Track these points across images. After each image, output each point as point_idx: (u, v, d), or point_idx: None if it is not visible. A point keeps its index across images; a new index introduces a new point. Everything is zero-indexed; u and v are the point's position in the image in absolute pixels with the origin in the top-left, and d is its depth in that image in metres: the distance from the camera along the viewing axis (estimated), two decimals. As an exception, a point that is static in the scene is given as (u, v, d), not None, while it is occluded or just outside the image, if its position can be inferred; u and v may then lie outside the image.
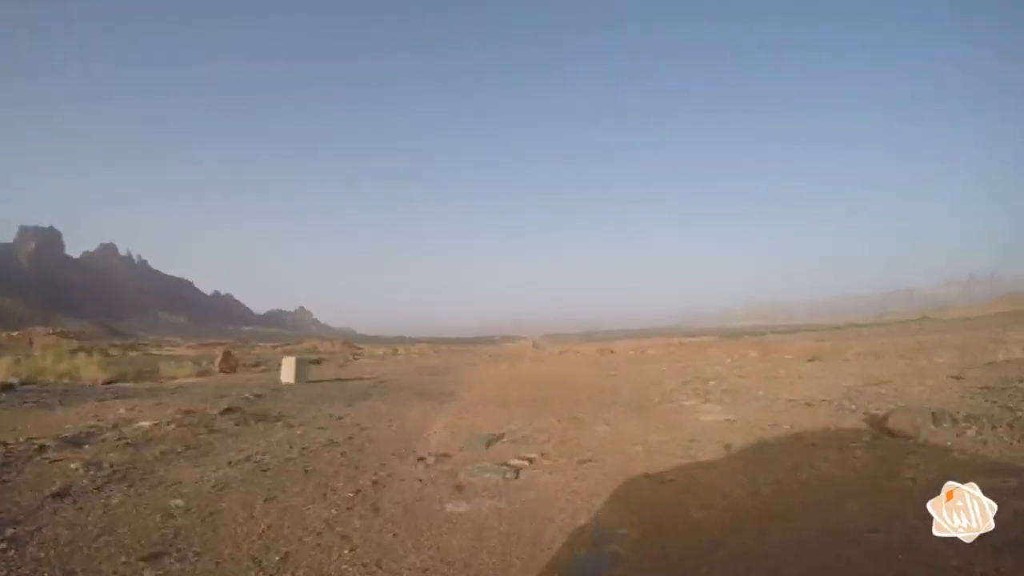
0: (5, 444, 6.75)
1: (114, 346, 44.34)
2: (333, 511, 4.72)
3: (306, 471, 6.06)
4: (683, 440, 7.14)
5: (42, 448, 6.65)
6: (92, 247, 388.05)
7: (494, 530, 4.28)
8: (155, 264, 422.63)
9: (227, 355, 24.12)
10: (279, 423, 9.15)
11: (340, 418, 9.69)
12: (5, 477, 5.48)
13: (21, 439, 7.05)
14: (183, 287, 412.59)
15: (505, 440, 7.63)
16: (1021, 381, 9.93)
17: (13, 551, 3.73)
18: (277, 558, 3.75)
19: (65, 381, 15.66)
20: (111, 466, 5.96)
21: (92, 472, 5.68)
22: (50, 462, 6.08)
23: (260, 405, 11.15)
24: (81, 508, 4.63)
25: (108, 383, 15.66)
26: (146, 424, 8.46)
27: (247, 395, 12.55)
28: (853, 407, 8.87)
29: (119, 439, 7.40)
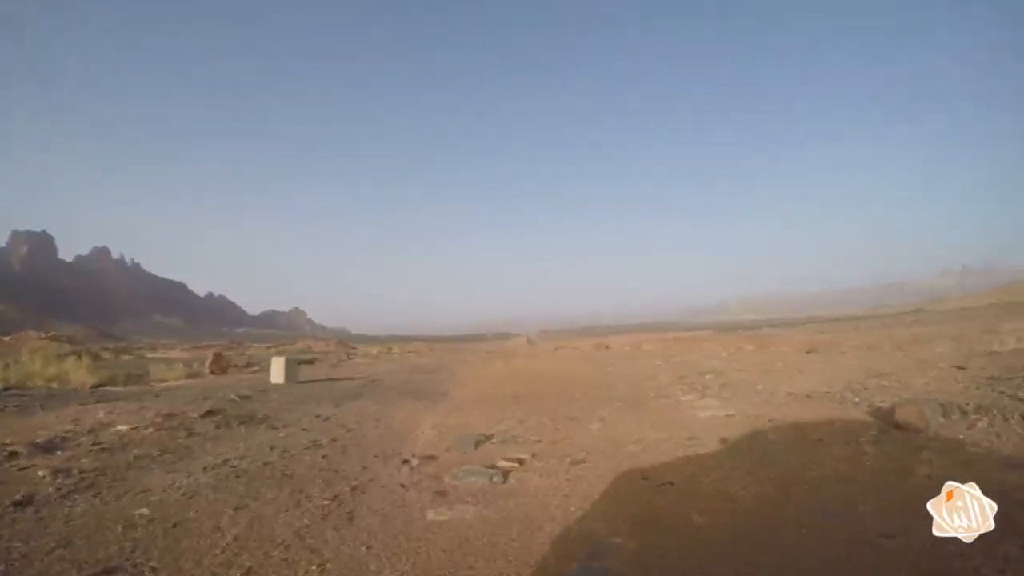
0: (-25, 450, 6.46)
1: (107, 350, 43.76)
2: (305, 521, 4.40)
3: (284, 476, 5.78)
4: (681, 438, 6.76)
5: (13, 455, 6.43)
6: (84, 250, 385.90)
7: (478, 541, 3.91)
8: (148, 267, 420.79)
9: (218, 357, 23.88)
10: (262, 425, 8.90)
11: (326, 419, 9.44)
12: (-32, 485, 5.19)
13: (-7, 445, 6.74)
14: (176, 289, 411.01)
15: (495, 440, 7.27)
16: (1027, 371, 9.66)
17: (-39, 567, 3.44)
18: (239, 575, 3.46)
19: (54, 385, 15.28)
20: (80, 473, 5.70)
21: (60, 480, 5.42)
22: (18, 469, 5.85)
23: (245, 407, 10.90)
24: (42, 518, 4.39)
25: (97, 387, 15.33)
26: (123, 428, 8.20)
27: (233, 397, 12.25)
28: (856, 400, 8.57)
29: (94, 444, 7.16)
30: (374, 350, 49.10)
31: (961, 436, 5.99)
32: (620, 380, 14.31)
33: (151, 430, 8.08)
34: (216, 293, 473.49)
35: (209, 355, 25.46)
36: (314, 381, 17.23)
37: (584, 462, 5.91)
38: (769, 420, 7.47)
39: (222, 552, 3.78)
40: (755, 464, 5.34)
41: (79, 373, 17.16)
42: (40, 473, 5.60)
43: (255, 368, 23.58)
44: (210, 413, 9.66)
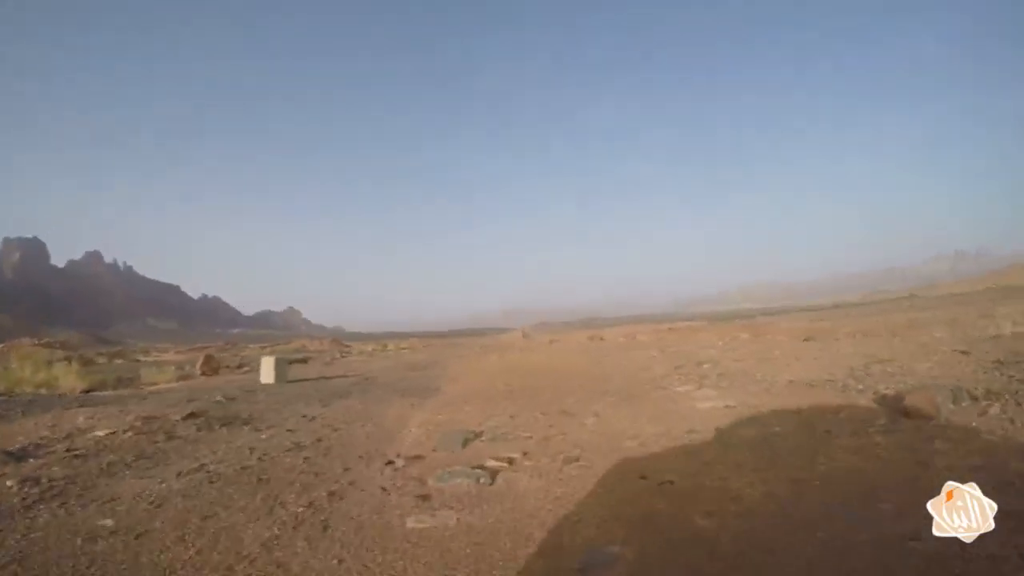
0: (-55, 460, 6.17)
1: (101, 354, 43.37)
2: (276, 531, 4.07)
3: (260, 481, 5.46)
4: (680, 432, 6.39)
5: (-17, 463, 6.16)
6: (77, 255, 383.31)
7: (460, 553, 3.54)
8: (140, 270, 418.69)
9: (208, 358, 23.73)
10: (246, 427, 8.64)
11: (312, 419, 9.18)
12: (-68, 497, 4.90)
13: (-35, 454, 6.45)
14: (170, 292, 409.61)
15: (484, 438, 6.91)
16: (1034, 354, 9.39)
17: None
18: (196, 595, 3.12)
19: (43, 391, 15.05)
20: (50, 481, 5.43)
21: (27, 489, 5.16)
22: (-13, 479, 5.51)
23: (230, 408, 10.65)
24: (1, 531, 4.12)
25: (86, 391, 15.18)
26: (101, 433, 7.91)
27: (219, 398, 11.98)
28: (860, 387, 8.26)
29: (68, 451, 6.88)
30: (369, 348, 48.91)
31: (974, 423, 5.67)
32: (615, 372, 14.00)
33: (129, 434, 7.82)
34: (210, 295, 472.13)
35: (201, 357, 25.21)
36: (305, 380, 16.99)
37: (578, 460, 5.52)
38: (771, 410, 7.11)
39: (183, 567, 3.49)
40: (760, 459, 4.96)
41: (68, 378, 17.08)
42: (8, 483, 5.31)
43: (247, 369, 23.37)
44: (192, 416, 9.40)
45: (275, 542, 3.85)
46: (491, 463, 5.54)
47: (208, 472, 5.81)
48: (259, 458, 6.40)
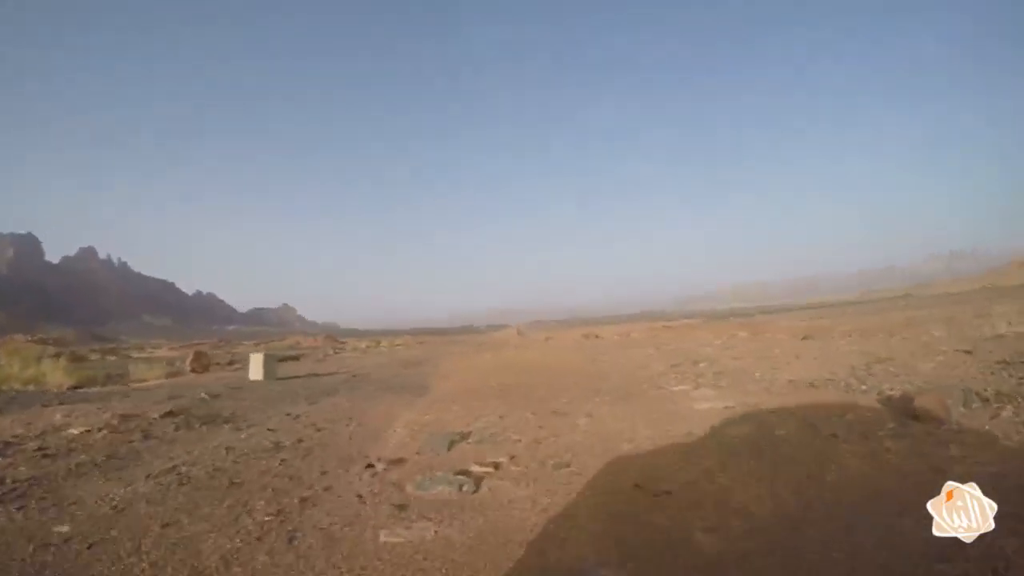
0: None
1: (94, 351, 43.04)
2: (238, 542, 3.76)
3: (231, 485, 5.16)
4: (678, 434, 6.02)
5: (-52, 463, 5.88)
6: (70, 251, 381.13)
7: (433, 572, 3.20)
8: (135, 266, 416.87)
9: (199, 355, 23.39)
10: (226, 426, 8.36)
11: (296, 418, 8.90)
12: None
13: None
14: (165, 289, 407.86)
15: (471, 440, 6.54)
16: (1040, 354, 9.07)
17: None
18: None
19: (30, 388, 14.67)
20: (13, 482, 5.20)
21: None
22: (-51, 479, 5.24)
23: (212, 406, 10.35)
24: None
25: (74, 388, 14.79)
26: (76, 431, 7.60)
27: (203, 395, 11.63)
28: (864, 387, 7.95)
29: (38, 450, 6.56)
30: (363, 344, 48.62)
31: (987, 427, 5.37)
32: (610, 370, 13.68)
33: (104, 433, 7.51)
34: (204, 291, 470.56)
35: (191, 354, 24.90)
36: (294, 377, 16.71)
37: (568, 466, 5.15)
38: (772, 411, 6.75)
39: (133, 582, 3.15)
40: (764, 466, 4.60)
41: (56, 375, 16.79)
42: (-29, 484, 5.07)
43: (237, 366, 23.09)
44: (171, 414, 9.10)
45: (235, 555, 3.55)
46: (476, 468, 5.18)
47: (179, 474, 5.54)
48: (234, 460, 6.11)
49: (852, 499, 3.81)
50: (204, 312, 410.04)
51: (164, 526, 4.08)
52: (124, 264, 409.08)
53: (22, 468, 5.70)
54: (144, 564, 3.43)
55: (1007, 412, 5.77)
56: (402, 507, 4.29)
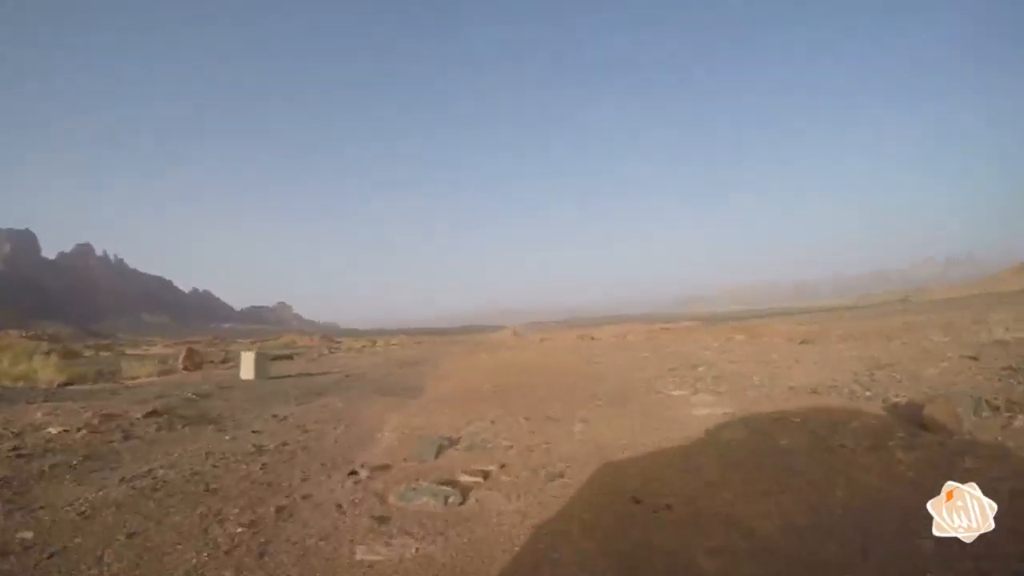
0: None
1: (89, 347, 42.72)
2: (205, 556, 3.51)
3: (206, 491, 4.91)
4: (677, 443, 5.71)
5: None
6: (67, 247, 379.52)
7: (413, 596, 2.92)
8: (132, 263, 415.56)
9: (191, 352, 23.10)
10: (210, 427, 8.11)
11: (283, 419, 8.66)
12: None
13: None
14: (162, 286, 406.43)
15: (460, 446, 6.23)
16: (1047, 360, 8.82)
17: None
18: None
19: (19, 384, 14.37)
20: None
21: None
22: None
23: (199, 406, 10.07)
24: None
25: (64, 385, 14.57)
26: (54, 431, 7.26)
27: (190, 394, 11.32)
28: (868, 394, 7.67)
29: (13, 450, 6.24)
30: (358, 344, 48.31)
31: (999, 437, 5.11)
32: (605, 373, 13.39)
33: (83, 432, 7.20)
34: (201, 289, 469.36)
35: (183, 351, 24.62)
36: (286, 377, 16.45)
37: (562, 476, 4.84)
38: (775, 419, 6.47)
39: (87, 597, 2.89)
40: (770, 479, 4.30)
41: (47, 371, 16.60)
42: (-61, 486, 4.80)
43: (231, 364, 22.81)
44: (155, 413, 8.78)
45: (201, 570, 3.33)
46: (464, 478, 4.89)
47: (154, 478, 5.28)
48: (213, 464, 5.85)
49: (867, 517, 3.53)
50: (201, 310, 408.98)
51: (130, 535, 3.84)
52: (121, 261, 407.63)
53: (-7, 469, 5.39)
54: (103, 577, 3.15)
55: (1019, 422, 5.52)
56: (383, 520, 4.00)
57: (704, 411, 7.39)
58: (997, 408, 6.05)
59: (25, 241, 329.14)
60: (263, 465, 5.77)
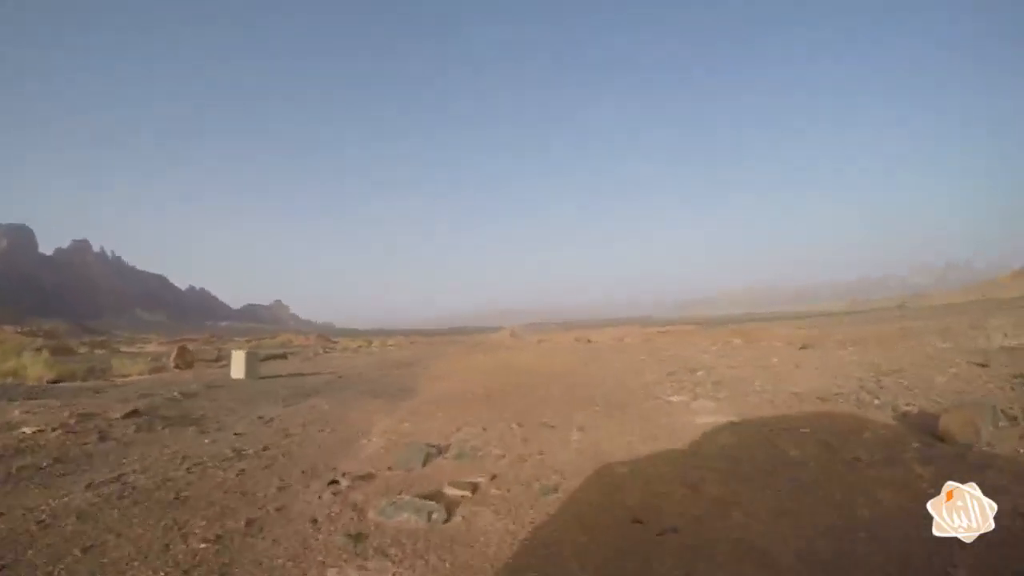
0: None
1: (83, 344, 42.37)
2: (162, 575, 3.14)
3: (175, 500, 4.62)
4: (679, 453, 5.39)
5: None
6: (64, 243, 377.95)
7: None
8: (129, 260, 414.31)
9: (182, 350, 22.80)
10: (191, 428, 7.85)
11: (268, 421, 8.39)
12: None
13: None
14: (159, 283, 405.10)
15: (449, 454, 5.87)
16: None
17: None
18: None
19: (9, 380, 14.12)
20: None
21: None
22: None
23: (184, 405, 9.82)
24: None
25: (54, 382, 14.34)
26: (28, 431, 7.04)
27: (175, 394, 11.06)
28: (876, 402, 7.33)
29: None
30: (354, 344, 47.96)
31: (1021, 450, 4.82)
32: (603, 377, 13.06)
33: (58, 433, 6.96)
34: (198, 286, 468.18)
35: (175, 349, 24.32)
36: (277, 376, 16.14)
37: (556, 490, 4.45)
38: (781, 428, 6.13)
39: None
40: (782, 497, 3.94)
41: (36, 368, 16.29)
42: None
43: (224, 362, 22.47)
44: (135, 413, 8.53)
45: (154, 592, 2.97)
46: (450, 491, 4.53)
47: (123, 484, 5.03)
48: (188, 469, 5.56)
49: (894, 540, 3.19)
50: (198, 308, 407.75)
51: (86, 549, 3.56)
52: (118, 258, 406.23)
53: (-42, 471, 5.13)
54: (47, 597, 2.85)
55: (1038, 434, 5.22)
56: (360, 537, 3.67)
57: (706, 418, 7.05)
58: (1014, 418, 5.77)
59: (22, 237, 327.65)
60: (240, 472, 5.49)
